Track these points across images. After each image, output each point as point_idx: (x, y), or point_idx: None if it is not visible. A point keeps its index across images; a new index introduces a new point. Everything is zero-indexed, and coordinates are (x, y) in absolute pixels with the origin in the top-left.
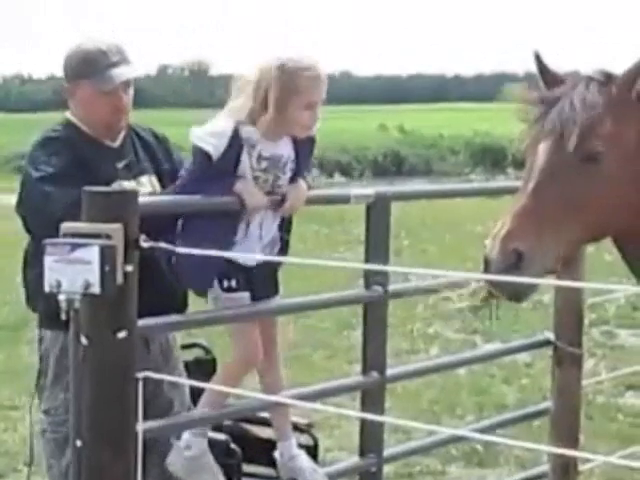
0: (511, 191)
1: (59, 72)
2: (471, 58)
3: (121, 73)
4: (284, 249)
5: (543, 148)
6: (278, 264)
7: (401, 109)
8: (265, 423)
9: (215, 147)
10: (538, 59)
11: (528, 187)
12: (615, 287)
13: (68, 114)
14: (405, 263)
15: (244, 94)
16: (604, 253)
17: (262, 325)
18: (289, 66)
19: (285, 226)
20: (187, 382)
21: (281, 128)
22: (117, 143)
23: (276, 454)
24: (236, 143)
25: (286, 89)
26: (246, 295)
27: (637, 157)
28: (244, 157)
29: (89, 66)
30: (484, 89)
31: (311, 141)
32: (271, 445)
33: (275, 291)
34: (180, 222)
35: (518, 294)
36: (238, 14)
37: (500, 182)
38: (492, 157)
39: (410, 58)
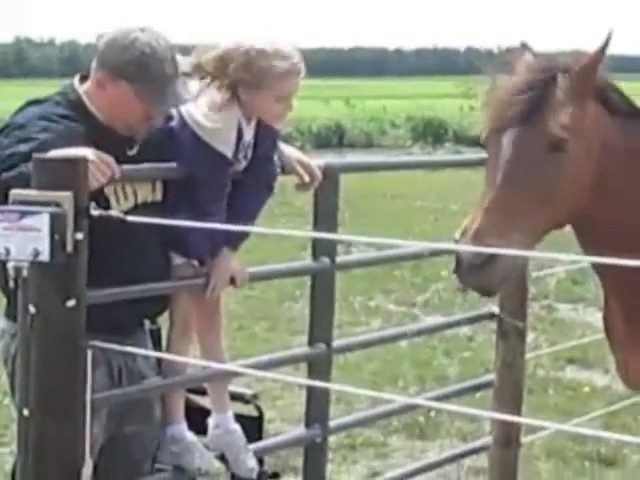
0: (455, 165)
1: None
2: (412, 32)
3: (177, 96)
4: None
5: (508, 138)
6: None
7: (343, 82)
8: (200, 392)
9: (230, 148)
10: (603, 47)
11: (496, 179)
12: (563, 257)
13: (81, 91)
14: (348, 233)
15: (211, 77)
16: None
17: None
18: (263, 56)
19: None
20: (135, 351)
21: (250, 114)
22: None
23: (210, 424)
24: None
25: (257, 79)
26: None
27: (594, 146)
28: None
29: (140, 72)
30: (425, 63)
31: (274, 135)
32: (204, 413)
33: None
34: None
35: (488, 290)
36: None
37: (444, 156)
38: (433, 131)
39: (351, 31)
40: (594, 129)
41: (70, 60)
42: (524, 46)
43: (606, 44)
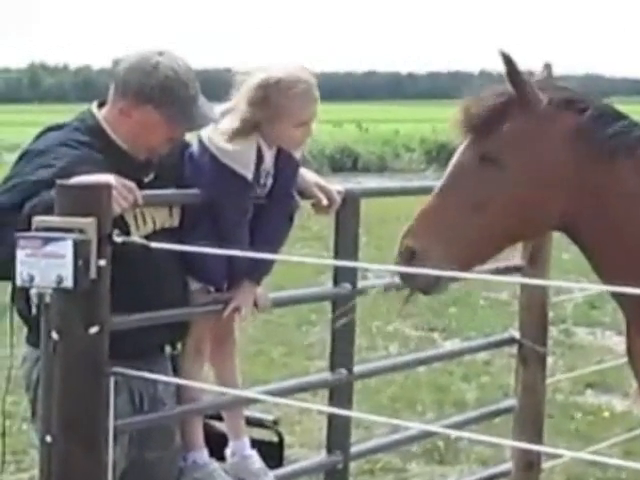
0: None
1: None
2: (424, 56)
3: (204, 116)
4: None
5: (457, 151)
6: None
7: (356, 106)
8: (218, 417)
9: (250, 171)
10: (508, 61)
11: (437, 187)
12: (581, 286)
13: (100, 117)
14: (364, 260)
15: (238, 107)
16: (562, 252)
17: (219, 319)
18: (280, 86)
19: None
20: (151, 377)
21: (271, 141)
22: (140, 156)
23: (227, 452)
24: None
25: (276, 110)
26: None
27: (538, 164)
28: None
29: (166, 96)
30: (438, 87)
31: (294, 164)
32: (224, 439)
33: None
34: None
35: (425, 287)
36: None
37: None
38: (447, 155)
39: (364, 55)
40: (549, 151)
41: (84, 85)
42: (547, 66)
43: (509, 66)
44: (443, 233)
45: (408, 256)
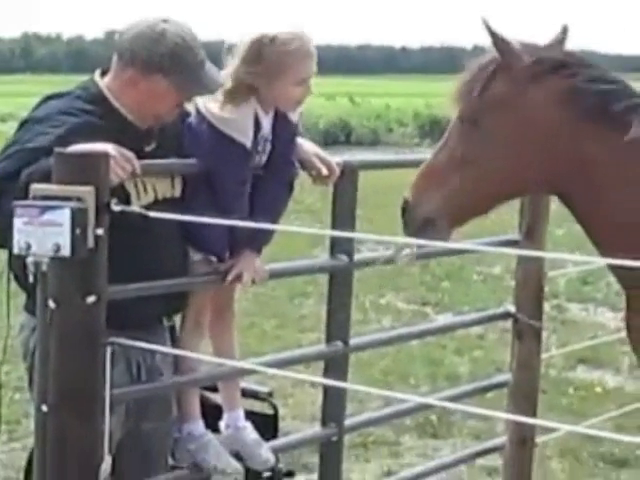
0: None
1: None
2: (418, 30)
3: (213, 80)
4: None
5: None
6: None
7: (349, 79)
8: (214, 389)
9: (248, 138)
10: (488, 27)
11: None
12: (579, 259)
13: (102, 86)
14: (359, 231)
15: (235, 68)
16: (556, 228)
17: (219, 289)
18: (275, 42)
19: None
20: (148, 347)
21: (269, 103)
22: (145, 125)
23: (221, 424)
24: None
25: (272, 67)
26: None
27: (517, 124)
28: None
29: (175, 64)
30: (431, 61)
31: (292, 129)
32: (219, 411)
33: None
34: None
35: (413, 234)
36: None
37: None
38: (440, 130)
39: (358, 29)
40: (529, 112)
41: (77, 55)
42: (565, 29)
43: (489, 31)
44: (433, 188)
45: (404, 205)
